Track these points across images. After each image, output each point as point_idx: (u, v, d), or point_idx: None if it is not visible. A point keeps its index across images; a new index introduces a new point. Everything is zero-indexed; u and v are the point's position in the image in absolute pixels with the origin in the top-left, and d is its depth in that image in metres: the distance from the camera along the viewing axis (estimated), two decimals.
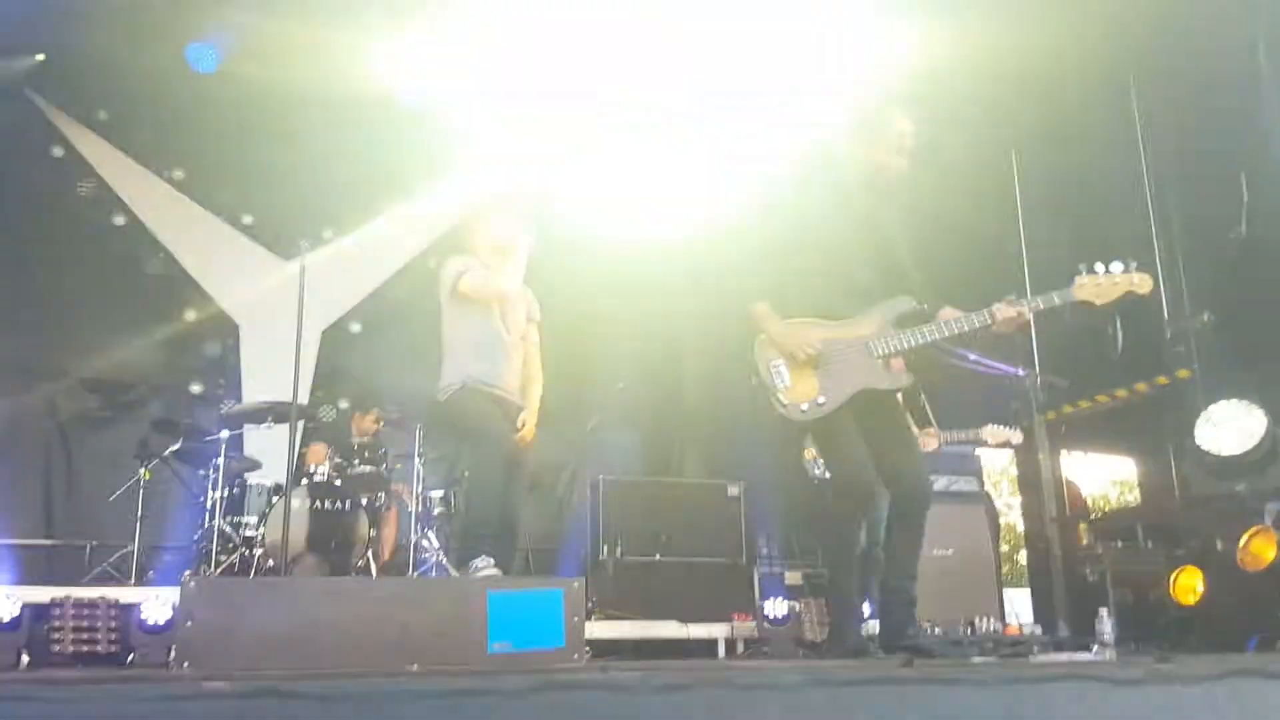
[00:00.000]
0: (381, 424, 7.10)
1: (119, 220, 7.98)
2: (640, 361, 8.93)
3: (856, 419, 3.67)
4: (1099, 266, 3.63)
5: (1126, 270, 3.60)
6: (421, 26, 7.17)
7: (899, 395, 3.91)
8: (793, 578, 7.08)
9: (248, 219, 8.32)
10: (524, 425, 4.83)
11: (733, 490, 7.43)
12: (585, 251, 8.54)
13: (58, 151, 7.89)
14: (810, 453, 5.52)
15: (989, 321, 3.63)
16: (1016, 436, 5.89)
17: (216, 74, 7.69)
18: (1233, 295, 5.59)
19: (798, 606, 5.48)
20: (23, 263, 7.61)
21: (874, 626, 4.01)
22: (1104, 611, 4.59)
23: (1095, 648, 4.51)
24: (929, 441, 5.51)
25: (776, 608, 5.41)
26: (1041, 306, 3.63)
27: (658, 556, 7.02)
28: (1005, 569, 7.94)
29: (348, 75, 8.29)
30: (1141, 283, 3.62)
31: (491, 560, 4.17)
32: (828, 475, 5.39)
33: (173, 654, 3.03)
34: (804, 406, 3.67)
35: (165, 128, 8.10)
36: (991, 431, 5.80)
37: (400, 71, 7.92)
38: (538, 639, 3.22)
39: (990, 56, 6.87)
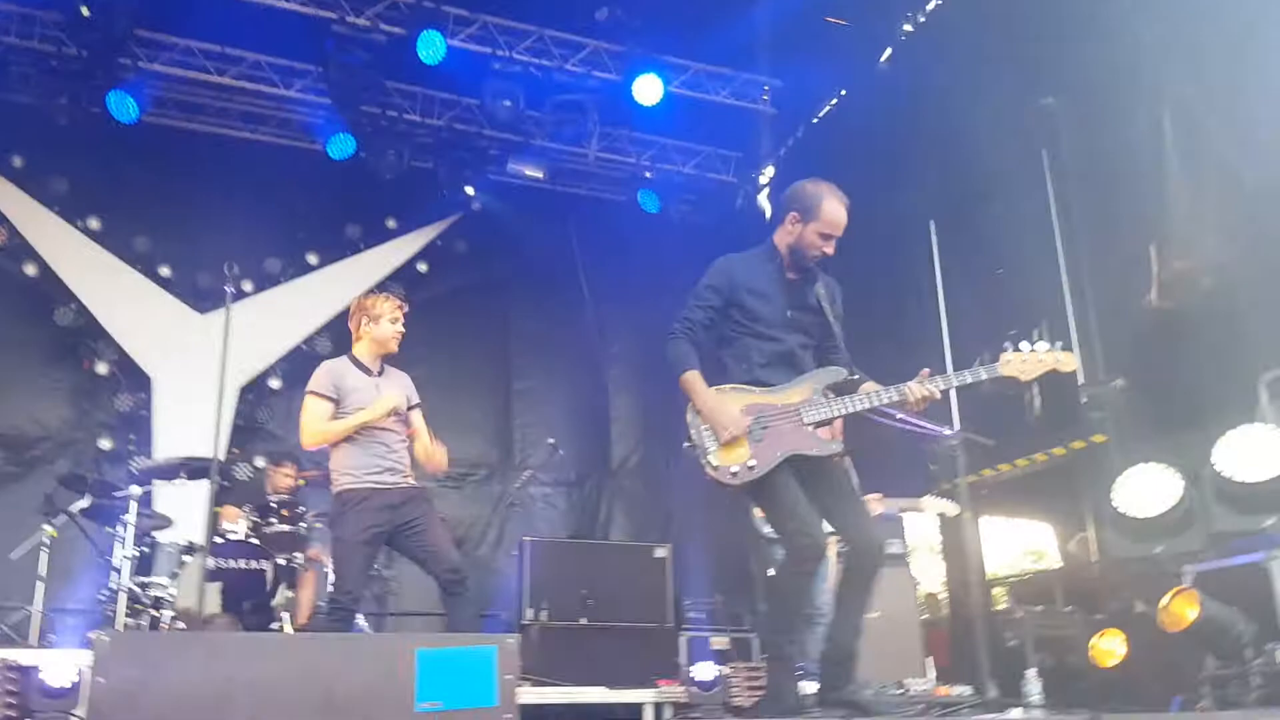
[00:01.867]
0: (300, 482, 6.90)
1: (30, 270, 7.73)
2: (569, 420, 8.91)
3: (799, 480, 3.68)
4: (1024, 345, 3.72)
5: (1052, 349, 3.71)
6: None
7: (838, 459, 3.92)
8: (720, 641, 7.00)
9: (165, 271, 8.12)
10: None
11: (659, 552, 7.37)
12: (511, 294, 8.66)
13: None
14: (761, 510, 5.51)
15: (903, 398, 3.69)
16: (952, 509, 5.96)
17: (137, 123, 7.58)
18: (1145, 362, 5.77)
19: (726, 671, 5.40)
20: None
21: (807, 687, 3.98)
22: (1031, 673, 4.61)
23: (1021, 709, 4.53)
24: (874, 506, 5.55)
25: (705, 672, 5.32)
26: (958, 384, 3.72)
27: (583, 621, 6.90)
28: None
29: (273, 126, 8.27)
30: (1065, 361, 3.73)
31: None
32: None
33: (83, 714, 2.86)
34: (734, 469, 3.68)
35: (83, 176, 7.92)
36: (930, 502, 5.87)
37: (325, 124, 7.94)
38: (469, 698, 3.13)
39: (906, 124, 7.16)
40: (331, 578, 6.17)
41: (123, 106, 7.46)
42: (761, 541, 5.60)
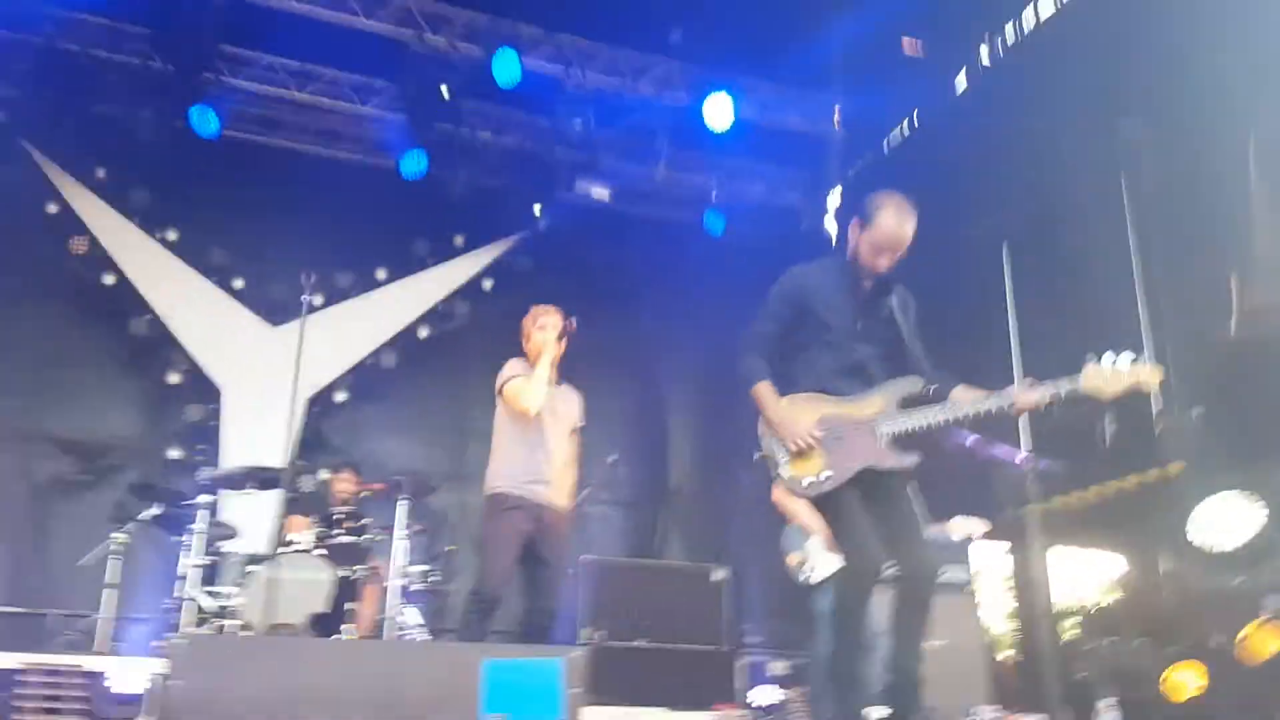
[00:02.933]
0: (362, 492, 6.96)
1: (108, 279, 7.94)
2: (627, 440, 8.89)
3: (862, 497, 3.62)
4: (1107, 358, 3.60)
5: (1135, 362, 3.57)
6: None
7: (903, 477, 3.85)
8: (778, 666, 6.91)
9: (238, 283, 8.30)
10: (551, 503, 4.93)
11: (717, 574, 7.32)
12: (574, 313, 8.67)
13: (52, 208, 7.89)
14: (795, 558, 5.45)
15: (1010, 404, 3.59)
16: (980, 529, 5.85)
17: (218, 137, 7.77)
18: (1223, 392, 5.62)
19: (787, 695, 5.33)
20: (5, 318, 7.53)
21: (874, 713, 3.90)
22: (1104, 704, 4.47)
23: None
24: (960, 528, 5.48)
25: (764, 696, 5.26)
26: (1061, 393, 3.60)
27: (640, 642, 6.87)
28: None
29: (347, 143, 8.43)
30: (1148, 378, 3.57)
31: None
32: (812, 580, 5.33)
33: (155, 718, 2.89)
34: (806, 481, 3.63)
35: (162, 189, 8.13)
36: (957, 524, 5.76)
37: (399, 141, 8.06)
38: (534, 710, 3.11)
39: (980, 146, 7.08)
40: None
41: (204, 120, 7.64)
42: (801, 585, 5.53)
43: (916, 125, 8.00)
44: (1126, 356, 3.56)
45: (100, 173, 8.02)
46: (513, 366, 4.95)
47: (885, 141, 8.21)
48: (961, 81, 7.43)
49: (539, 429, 4.89)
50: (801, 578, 5.30)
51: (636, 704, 5.85)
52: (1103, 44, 6.35)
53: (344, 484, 6.89)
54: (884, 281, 3.86)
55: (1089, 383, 3.56)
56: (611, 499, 8.76)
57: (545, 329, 4.90)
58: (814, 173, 8.87)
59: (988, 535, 6.03)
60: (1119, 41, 6.26)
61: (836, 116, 8.22)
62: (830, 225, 8.83)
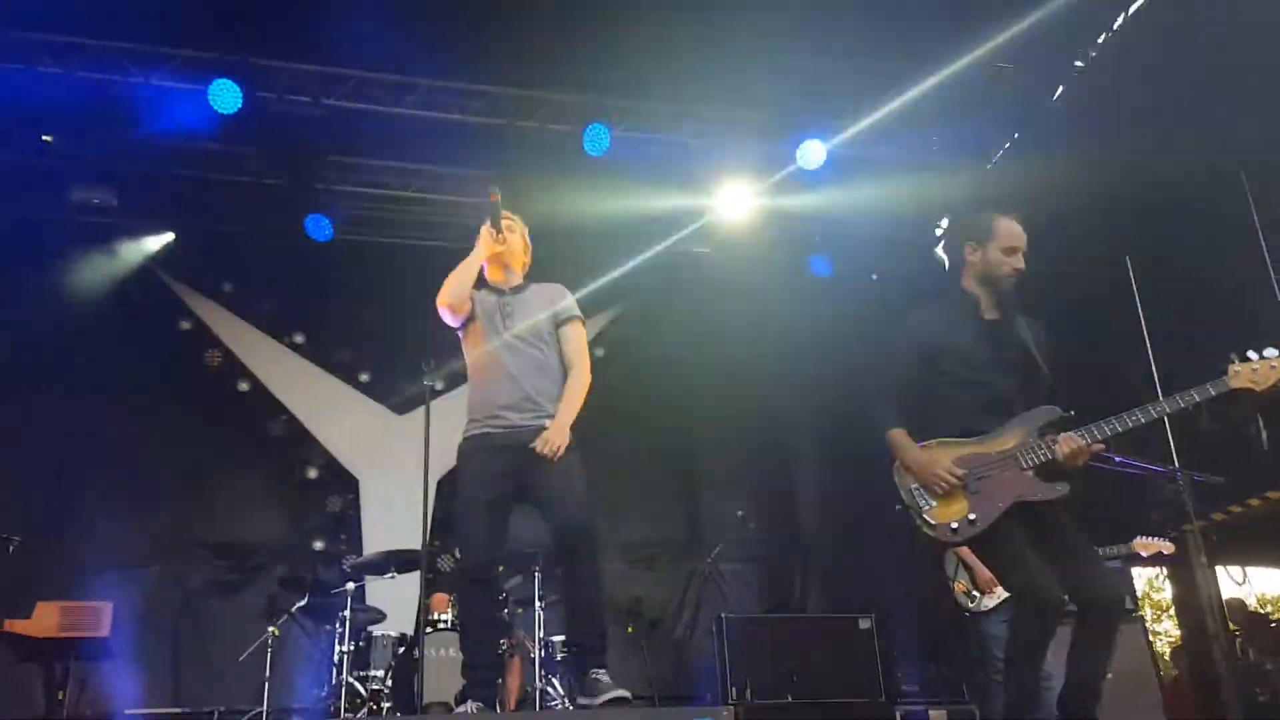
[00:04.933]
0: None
1: (243, 386, 8.33)
2: (755, 495, 8.80)
3: (1024, 530, 3.48)
4: (1251, 354, 3.47)
5: None
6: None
7: (1059, 506, 3.70)
8: (938, 715, 6.68)
9: (364, 377, 8.61)
10: (545, 444, 3.97)
11: (864, 623, 7.15)
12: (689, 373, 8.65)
13: (185, 324, 8.35)
14: (961, 585, 5.28)
15: (1157, 415, 3.46)
16: (1168, 547, 5.56)
17: (331, 240, 8.13)
18: None
19: None
20: (150, 436, 7.96)
21: None
22: None
23: None
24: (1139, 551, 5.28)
25: None
26: (1199, 398, 3.45)
27: (789, 698, 6.74)
28: None
29: (448, 232, 8.69)
30: None
31: (603, 672, 3.73)
32: (983, 608, 5.16)
33: None
34: (954, 525, 3.52)
35: (286, 295, 8.55)
36: (1142, 543, 5.48)
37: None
38: None
39: (1086, 158, 6.89)
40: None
41: (319, 227, 8.02)
42: (964, 615, 5.33)
43: (1016, 143, 7.85)
44: (1272, 350, 3.42)
45: (227, 287, 8.46)
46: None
47: (988, 164, 8.06)
48: (1059, 92, 7.29)
49: (494, 347, 4.10)
50: (970, 605, 5.13)
51: None
52: (1204, 34, 6.15)
53: None
54: (1009, 310, 3.78)
55: (1238, 381, 3.43)
56: (743, 555, 8.66)
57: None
58: (918, 205, 8.76)
59: (1170, 554, 5.73)
60: (1221, 29, 6.06)
61: (934, 147, 8.11)
62: (940, 254, 8.68)
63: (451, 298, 4.09)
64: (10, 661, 6.41)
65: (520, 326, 4.15)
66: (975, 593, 5.15)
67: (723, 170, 8.03)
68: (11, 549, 6.56)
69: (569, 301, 4.35)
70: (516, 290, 4.27)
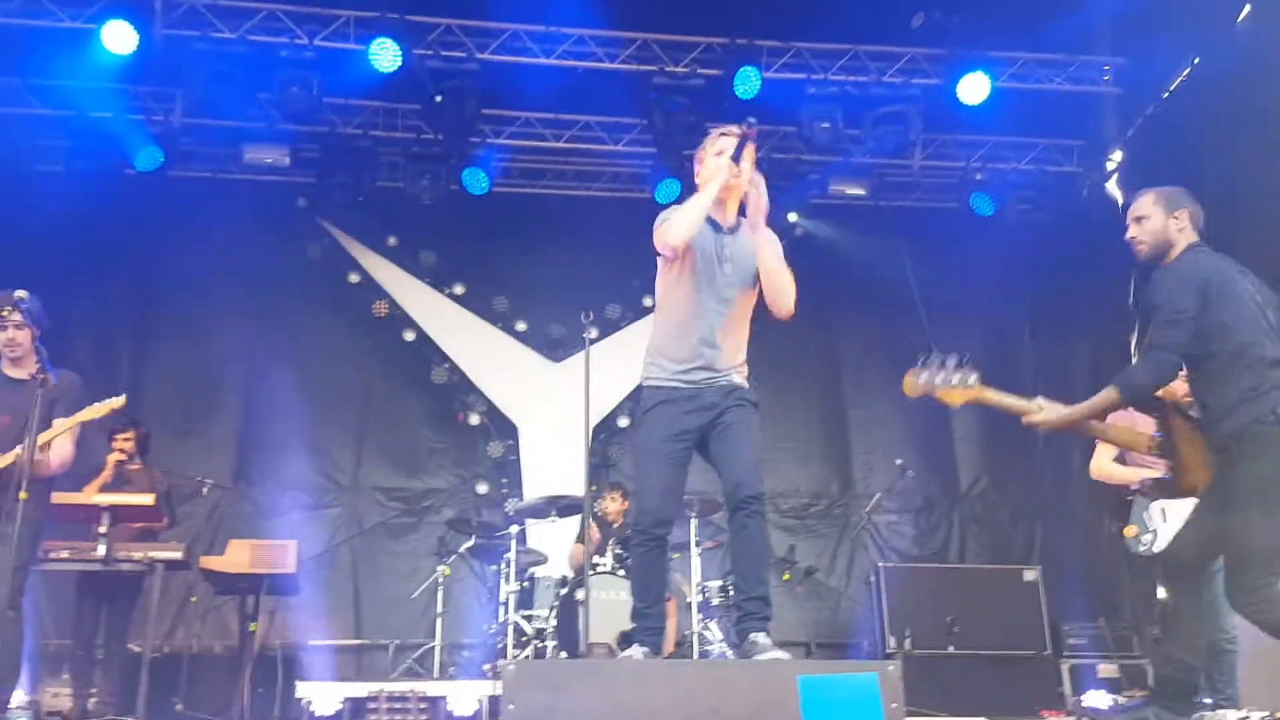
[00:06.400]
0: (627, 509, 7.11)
1: (409, 336, 8.65)
2: (910, 444, 8.59)
3: None
4: None
5: None
6: None
7: None
8: (1108, 669, 6.44)
9: (521, 326, 8.82)
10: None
11: (1029, 575, 6.94)
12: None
13: (354, 278, 8.70)
14: (1132, 529, 5.03)
15: None
16: None
17: (489, 193, 8.30)
18: None
19: (1121, 700, 4.96)
20: (327, 384, 8.39)
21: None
22: None
23: None
24: None
25: (1099, 701, 4.92)
26: None
27: (950, 648, 6.63)
28: None
29: (605, 181, 8.75)
30: None
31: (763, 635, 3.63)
32: (1154, 550, 4.91)
33: None
34: None
35: (446, 248, 8.81)
36: None
37: (653, 172, 8.25)
38: None
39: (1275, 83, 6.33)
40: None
41: (475, 181, 8.21)
42: (1137, 561, 5.06)
43: (1197, 70, 7.25)
44: None
45: (391, 240, 8.77)
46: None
47: (1165, 93, 7.50)
48: (1244, 14, 6.68)
49: (700, 288, 3.79)
50: (1140, 549, 4.88)
51: (952, 713, 5.66)
52: None
53: (611, 503, 7.09)
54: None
55: None
56: (899, 507, 8.50)
57: (723, 153, 3.77)
58: (1090, 137, 8.28)
59: None
60: None
61: (1106, 75, 7.63)
62: (1114, 190, 8.20)
63: (686, 236, 3.70)
64: (207, 595, 6.95)
65: (735, 275, 3.85)
66: (1147, 537, 4.87)
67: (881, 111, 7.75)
68: (206, 491, 7.11)
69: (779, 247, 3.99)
70: (732, 230, 3.91)
